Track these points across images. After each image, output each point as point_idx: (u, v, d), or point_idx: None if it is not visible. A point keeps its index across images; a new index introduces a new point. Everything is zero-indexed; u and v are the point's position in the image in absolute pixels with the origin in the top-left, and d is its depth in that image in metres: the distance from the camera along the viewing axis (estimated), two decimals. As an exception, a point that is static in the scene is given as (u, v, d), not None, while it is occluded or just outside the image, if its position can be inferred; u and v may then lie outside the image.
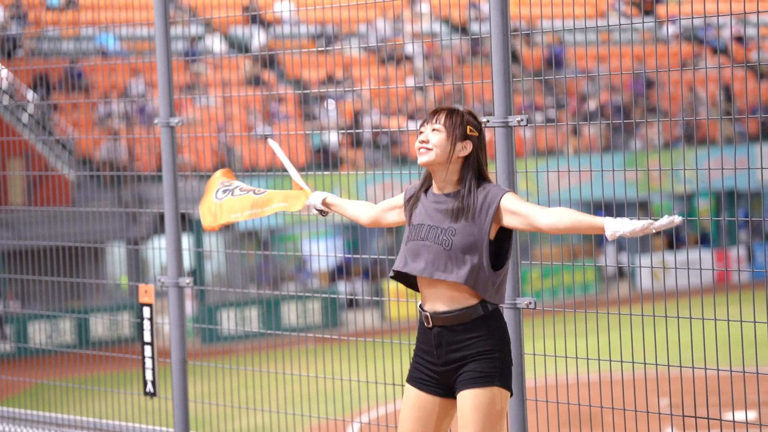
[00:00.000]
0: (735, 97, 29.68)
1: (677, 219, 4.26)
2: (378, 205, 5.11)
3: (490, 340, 4.69)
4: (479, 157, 4.79)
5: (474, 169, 4.77)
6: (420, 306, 4.82)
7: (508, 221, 4.69)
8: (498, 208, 4.68)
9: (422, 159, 4.77)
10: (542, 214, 4.60)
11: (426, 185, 4.88)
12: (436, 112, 4.84)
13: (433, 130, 4.77)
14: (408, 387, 4.83)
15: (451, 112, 4.82)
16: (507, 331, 4.78)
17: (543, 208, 4.62)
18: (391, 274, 4.89)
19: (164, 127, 7.02)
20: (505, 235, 4.76)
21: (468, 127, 4.78)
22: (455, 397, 4.74)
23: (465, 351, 4.69)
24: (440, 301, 4.73)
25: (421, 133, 4.82)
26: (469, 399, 4.65)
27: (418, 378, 4.81)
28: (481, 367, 4.67)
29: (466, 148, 4.77)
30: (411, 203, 4.89)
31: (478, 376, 4.65)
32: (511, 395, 4.77)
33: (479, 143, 4.80)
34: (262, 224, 23.16)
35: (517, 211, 4.65)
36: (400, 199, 5.00)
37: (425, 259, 4.73)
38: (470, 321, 4.69)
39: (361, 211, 5.15)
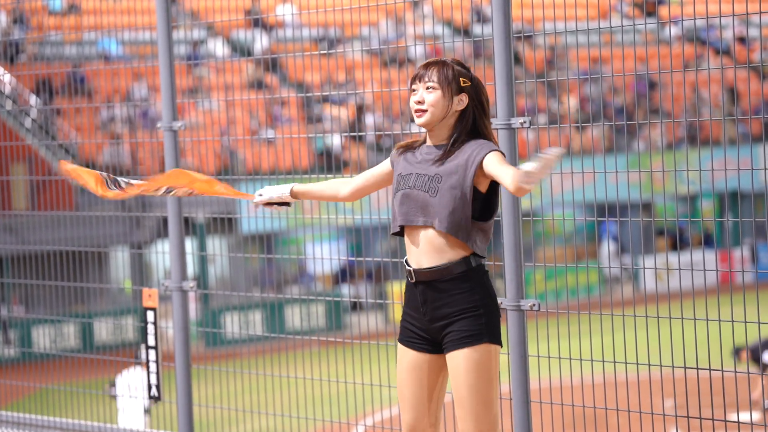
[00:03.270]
0: (738, 98, 29.69)
1: (555, 151, 4.18)
2: (358, 176, 5.05)
3: (473, 295, 4.67)
4: (475, 109, 4.74)
5: (469, 122, 4.73)
6: (405, 261, 4.79)
7: (489, 176, 4.66)
8: (480, 165, 4.65)
9: (420, 121, 4.74)
10: (507, 179, 4.51)
11: (421, 141, 4.86)
12: (427, 67, 4.76)
13: (427, 88, 4.72)
14: (400, 347, 4.83)
15: (442, 67, 4.74)
16: (491, 286, 4.75)
17: (507, 172, 4.52)
18: (393, 231, 4.84)
19: (167, 131, 7.03)
20: (495, 188, 4.74)
21: (461, 79, 4.73)
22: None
23: (449, 308, 4.67)
24: (424, 254, 4.70)
25: (413, 91, 4.77)
26: (458, 360, 4.64)
27: (407, 337, 4.80)
28: (467, 326, 4.65)
29: (462, 101, 4.73)
30: (401, 155, 4.87)
31: (466, 335, 4.64)
32: (501, 347, 4.74)
33: (474, 93, 4.75)
34: (266, 227, 23.15)
35: (492, 173, 4.60)
36: (386, 163, 4.96)
37: (410, 207, 4.71)
38: (453, 276, 4.66)
39: (338, 187, 5.09)
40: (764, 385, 16.31)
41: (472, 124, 4.74)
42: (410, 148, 4.89)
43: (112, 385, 14.34)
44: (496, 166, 4.59)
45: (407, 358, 4.79)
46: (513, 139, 5.53)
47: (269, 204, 5.17)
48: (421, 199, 4.69)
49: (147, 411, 14.20)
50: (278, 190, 5.12)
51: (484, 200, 4.70)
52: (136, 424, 13.31)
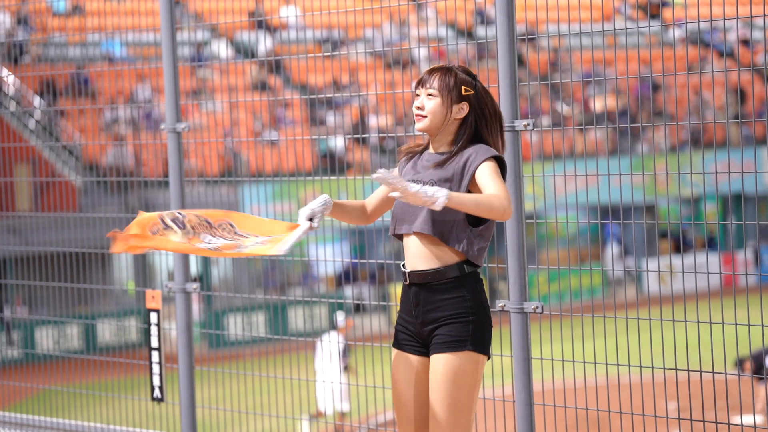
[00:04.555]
0: (742, 101, 29.67)
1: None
2: (373, 194, 5.01)
3: (465, 302, 4.67)
4: (477, 117, 4.75)
5: (470, 130, 4.74)
6: (402, 264, 4.80)
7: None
8: (477, 169, 4.66)
9: (419, 126, 4.76)
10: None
11: (425, 146, 4.88)
12: (430, 73, 4.77)
13: (428, 95, 4.74)
14: (394, 352, 4.83)
15: (444, 74, 4.75)
16: (484, 294, 4.74)
17: (490, 192, 4.54)
18: (391, 233, 4.85)
19: (171, 133, 7.03)
20: None
21: (462, 87, 4.73)
22: None
23: (440, 312, 4.67)
24: (420, 258, 4.71)
25: (417, 96, 4.79)
26: (438, 364, 4.64)
27: (401, 340, 4.81)
28: (453, 331, 4.64)
29: (462, 110, 4.74)
30: (407, 161, 4.88)
31: (450, 340, 4.64)
32: (489, 358, 4.72)
33: (476, 101, 4.75)
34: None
35: (479, 184, 4.62)
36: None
37: (406, 213, 4.73)
38: (445, 280, 4.66)
39: (363, 206, 4.99)
40: (767, 389, 16.27)
41: (474, 133, 4.75)
42: (414, 153, 4.90)
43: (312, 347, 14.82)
44: (483, 179, 4.59)
45: (402, 361, 4.79)
46: (516, 141, 5.53)
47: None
48: (416, 207, 4.69)
49: (345, 370, 14.45)
50: (320, 201, 4.74)
51: None
52: (334, 383, 13.60)
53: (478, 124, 4.75)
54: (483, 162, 4.63)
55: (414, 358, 4.77)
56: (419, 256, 4.72)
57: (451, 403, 4.61)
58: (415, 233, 4.71)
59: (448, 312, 4.67)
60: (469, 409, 4.65)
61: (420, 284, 4.72)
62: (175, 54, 7.01)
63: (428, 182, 4.70)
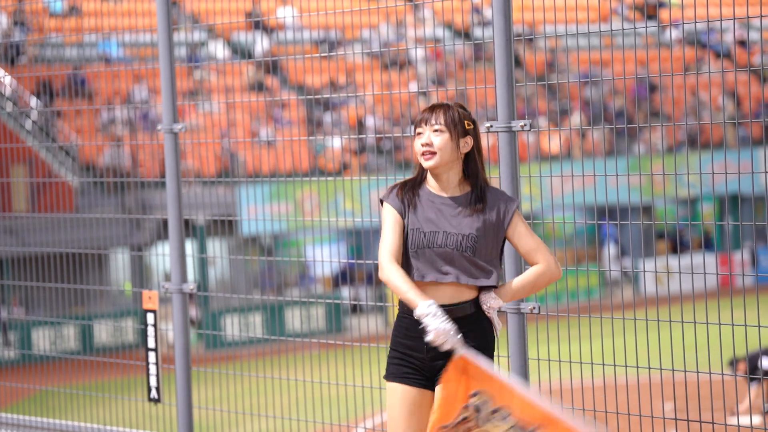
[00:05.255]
0: (739, 101, 29.68)
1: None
2: (392, 249, 4.72)
3: (484, 334, 4.67)
4: (478, 152, 4.73)
5: (476, 166, 4.70)
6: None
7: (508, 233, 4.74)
8: (510, 222, 4.69)
9: (429, 164, 4.64)
10: (529, 257, 4.71)
11: (418, 184, 4.76)
12: (432, 110, 4.69)
13: (435, 131, 4.65)
14: (392, 385, 4.71)
15: (447, 109, 4.69)
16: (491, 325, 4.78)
17: (532, 252, 4.69)
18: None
19: (167, 134, 7.03)
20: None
21: (465, 122, 4.69)
22: None
23: None
24: (438, 297, 4.64)
25: (419, 134, 4.69)
26: None
27: (401, 374, 4.70)
28: None
29: (467, 144, 4.69)
30: (406, 203, 4.73)
31: None
32: None
33: (476, 136, 4.73)
34: (266, 230, 23.13)
35: (517, 240, 4.72)
36: (393, 213, 4.73)
37: (450, 267, 4.64)
38: (466, 315, 4.65)
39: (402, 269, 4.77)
40: (765, 388, 16.29)
41: (475, 168, 4.72)
42: (410, 192, 4.74)
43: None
44: (521, 239, 4.71)
45: (403, 395, 4.69)
46: (513, 142, 5.52)
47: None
48: (457, 258, 4.63)
49: None
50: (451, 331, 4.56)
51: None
52: None
53: (477, 158, 4.72)
54: (515, 215, 4.70)
55: (416, 391, 4.68)
56: (440, 294, 4.65)
57: None
58: (458, 283, 4.69)
59: (471, 345, 4.59)
60: None
61: None
62: (172, 55, 7.00)
63: (467, 235, 4.62)
